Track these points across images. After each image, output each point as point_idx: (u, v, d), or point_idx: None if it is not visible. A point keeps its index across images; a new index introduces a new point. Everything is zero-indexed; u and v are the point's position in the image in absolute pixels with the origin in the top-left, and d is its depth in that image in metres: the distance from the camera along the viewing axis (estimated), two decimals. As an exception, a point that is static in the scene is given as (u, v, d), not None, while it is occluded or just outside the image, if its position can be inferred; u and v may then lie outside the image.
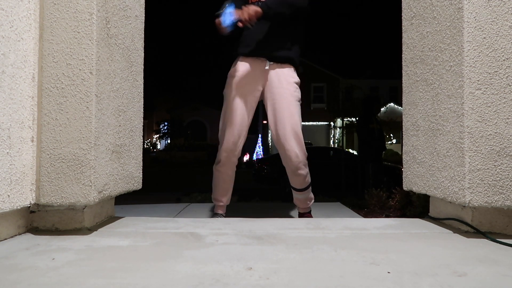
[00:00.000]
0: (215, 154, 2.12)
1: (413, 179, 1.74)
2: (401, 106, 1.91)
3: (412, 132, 1.75)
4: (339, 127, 12.06)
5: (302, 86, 2.19)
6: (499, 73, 1.35)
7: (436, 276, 0.96)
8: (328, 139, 23.61)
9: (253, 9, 1.82)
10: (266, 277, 0.95)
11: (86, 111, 1.38)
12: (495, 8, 1.35)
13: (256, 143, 20.58)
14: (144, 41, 1.89)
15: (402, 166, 1.87)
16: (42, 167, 1.38)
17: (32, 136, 1.38)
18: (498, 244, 1.28)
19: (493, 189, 1.33)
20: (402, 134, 1.89)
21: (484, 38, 1.35)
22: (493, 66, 1.35)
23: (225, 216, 2.08)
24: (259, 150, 20.49)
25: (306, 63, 23.25)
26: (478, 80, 1.35)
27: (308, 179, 2.11)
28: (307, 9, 2.02)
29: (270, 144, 23.33)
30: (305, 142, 2.11)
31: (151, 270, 1.00)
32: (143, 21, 1.88)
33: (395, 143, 20.62)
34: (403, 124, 1.85)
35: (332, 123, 17.24)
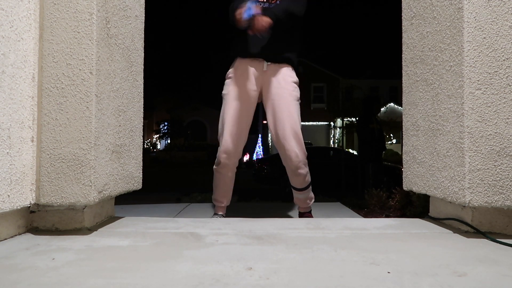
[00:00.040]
0: (215, 154, 2.12)
1: (413, 179, 1.74)
2: (401, 106, 1.91)
3: (412, 132, 1.75)
4: (339, 127, 12.05)
5: (302, 86, 2.19)
6: (499, 73, 1.35)
7: (436, 276, 0.96)
8: (328, 139, 23.61)
9: (266, 20, 1.84)
10: (266, 277, 0.95)
11: (86, 111, 1.38)
12: (495, 8, 1.35)
13: (256, 143, 20.57)
14: (144, 41, 1.89)
15: (402, 166, 1.87)
16: (42, 167, 1.38)
17: (32, 136, 1.38)
18: (498, 244, 1.28)
19: (493, 189, 1.33)
20: (402, 134, 1.89)
21: (484, 38, 1.35)
22: (493, 66, 1.35)
23: (225, 217, 2.08)
24: (259, 150, 20.49)
25: (306, 63, 23.25)
26: (478, 80, 1.35)
27: (308, 178, 2.11)
28: (302, 20, 2.06)
29: (270, 144, 23.32)
30: (305, 142, 2.11)
31: (151, 270, 1.00)
32: (143, 21, 1.88)
33: (395, 143, 20.62)
34: (403, 124, 1.85)
35: (332, 123, 17.23)
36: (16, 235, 1.34)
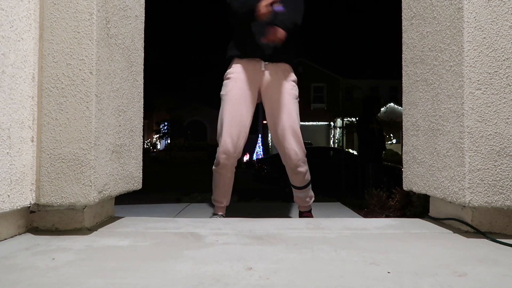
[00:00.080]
0: (215, 154, 2.12)
1: (413, 179, 1.74)
2: (401, 106, 1.91)
3: (412, 132, 1.75)
4: (339, 127, 12.05)
5: (303, 86, 2.19)
6: (499, 73, 1.35)
7: (436, 276, 0.96)
8: (328, 139, 23.61)
9: (282, 33, 1.88)
10: (266, 277, 0.95)
11: (86, 111, 1.38)
12: (495, 8, 1.35)
13: (256, 143, 20.57)
14: (144, 41, 1.89)
15: (402, 166, 1.87)
16: (42, 167, 1.38)
17: (32, 136, 1.38)
18: (498, 244, 1.28)
19: (493, 189, 1.33)
20: (402, 134, 1.89)
21: (484, 38, 1.35)
22: (493, 66, 1.35)
23: (225, 217, 2.08)
24: (259, 150, 20.49)
25: (306, 63, 23.26)
26: (478, 80, 1.35)
27: (308, 177, 2.12)
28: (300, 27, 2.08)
29: (270, 144, 23.32)
30: (305, 142, 2.11)
31: (151, 270, 1.00)
32: (143, 21, 1.88)
33: (395, 143, 20.62)
34: (403, 124, 1.85)
35: (332, 123, 17.23)
36: (16, 235, 1.34)
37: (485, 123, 1.34)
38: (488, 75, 1.35)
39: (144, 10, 1.89)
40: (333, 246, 1.25)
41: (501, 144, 1.33)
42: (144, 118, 1.94)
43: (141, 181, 1.85)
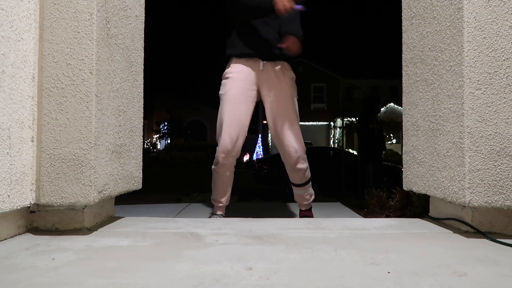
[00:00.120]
0: (215, 154, 2.12)
1: (413, 179, 1.74)
2: (401, 106, 1.91)
3: (412, 132, 1.75)
4: (339, 127, 12.05)
5: (303, 86, 2.21)
6: (499, 73, 1.35)
7: (436, 276, 0.96)
8: (328, 139, 23.61)
9: (299, 47, 1.98)
10: (266, 277, 0.95)
11: (86, 111, 1.38)
12: (495, 8, 1.35)
13: (256, 143, 20.57)
14: (144, 41, 1.89)
15: (402, 166, 1.87)
16: (42, 167, 1.38)
17: (32, 136, 1.38)
18: (498, 244, 1.28)
19: (493, 189, 1.33)
20: (402, 134, 1.90)
21: (484, 38, 1.35)
22: (493, 66, 1.35)
23: (224, 216, 2.08)
24: (259, 150, 20.49)
25: (306, 63, 23.25)
26: (478, 80, 1.35)
27: (308, 174, 2.12)
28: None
29: (270, 144, 23.32)
30: (305, 142, 2.12)
31: (151, 270, 1.00)
32: (143, 21, 1.88)
33: (395, 143, 20.63)
34: (403, 124, 1.85)
35: (332, 123, 17.24)
36: (16, 235, 1.34)
37: (485, 123, 1.34)
38: (488, 75, 1.35)
39: (144, 10, 1.89)
40: (333, 246, 1.25)
41: (501, 144, 1.34)
42: (144, 118, 1.94)
43: (141, 181, 1.85)
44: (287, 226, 1.55)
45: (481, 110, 1.34)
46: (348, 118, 10.54)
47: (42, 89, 1.39)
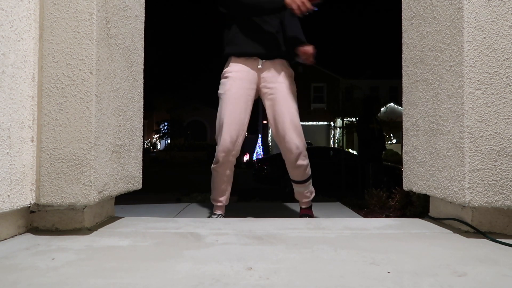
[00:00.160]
0: (215, 153, 2.12)
1: (413, 179, 1.74)
2: (401, 106, 1.91)
3: (412, 132, 1.75)
4: (339, 127, 12.06)
5: (303, 86, 2.22)
6: (499, 73, 1.35)
7: (436, 276, 0.96)
8: (328, 139, 23.61)
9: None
10: (266, 277, 0.95)
11: (86, 111, 1.38)
12: (495, 8, 1.35)
13: (256, 143, 20.58)
14: (144, 41, 1.89)
15: (402, 166, 1.87)
16: (42, 167, 1.38)
17: (32, 136, 1.38)
18: (498, 244, 1.28)
19: (493, 189, 1.33)
20: (402, 134, 1.90)
21: (484, 38, 1.35)
22: (493, 66, 1.35)
23: (224, 216, 2.08)
24: (259, 150, 20.50)
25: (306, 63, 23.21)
26: (478, 80, 1.35)
27: (309, 171, 2.13)
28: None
29: (270, 144, 23.33)
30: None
31: (151, 270, 1.00)
32: (143, 21, 1.88)
33: (395, 143, 20.63)
34: (403, 124, 1.85)
35: (332, 123, 17.24)
36: (16, 235, 1.34)
37: (485, 123, 1.34)
38: (488, 75, 1.35)
39: (144, 10, 1.89)
40: (333, 246, 1.25)
41: (501, 144, 1.33)
42: (144, 118, 1.95)
43: (141, 181, 1.85)
44: (287, 226, 1.55)
45: (481, 110, 1.34)
46: (348, 118, 10.55)
47: (42, 89, 1.39)
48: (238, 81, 2.02)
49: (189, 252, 1.17)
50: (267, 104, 2.08)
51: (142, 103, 1.86)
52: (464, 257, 1.13)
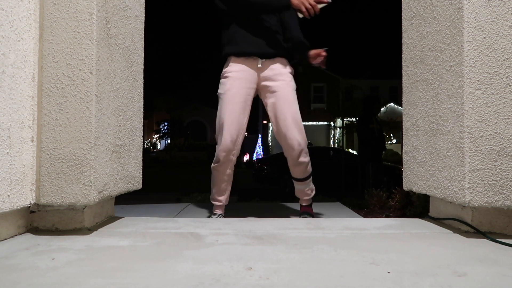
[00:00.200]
0: (215, 153, 2.12)
1: (413, 179, 1.74)
2: (401, 106, 1.91)
3: (412, 132, 1.75)
4: (339, 127, 12.06)
5: (303, 86, 2.22)
6: (499, 73, 1.35)
7: (436, 276, 0.96)
8: (328, 139, 23.61)
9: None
10: (266, 277, 0.95)
11: (86, 111, 1.38)
12: (495, 8, 1.35)
13: (256, 143, 20.58)
14: (144, 41, 1.89)
15: (402, 166, 1.87)
16: (42, 167, 1.38)
17: (32, 136, 1.38)
18: (498, 244, 1.28)
19: (493, 189, 1.33)
20: (402, 134, 1.90)
21: (484, 38, 1.35)
22: (493, 66, 1.35)
23: (224, 216, 2.08)
24: (259, 150, 20.50)
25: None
26: (478, 80, 1.35)
27: (309, 168, 2.14)
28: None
29: (270, 144, 23.32)
30: None
31: (151, 270, 1.00)
32: (143, 21, 1.88)
33: (395, 143, 20.63)
34: (403, 124, 1.85)
35: (332, 123, 17.24)
36: (16, 235, 1.34)
37: (485, 123, 1.34)
38: (488, 75, 1.35)
39: (144, 10, 1.89)
40: (333, 246, 1.25)
41: (501, 144, 1.33)
42: (144, 118, 1.95)
43: (141, 181, 1.85)
44: (287, 226, 1.55)
45: (481, 110, 1.34)
46: (348, 118, 10.55)
47: (42, 89, 1.39)
48: (238, 81, 2.03)
49: (189, 252, 1.17)
50: (268, 102, 2.08)
51: (142, 103, 1.86)
52: (464, 257, 1.13)
